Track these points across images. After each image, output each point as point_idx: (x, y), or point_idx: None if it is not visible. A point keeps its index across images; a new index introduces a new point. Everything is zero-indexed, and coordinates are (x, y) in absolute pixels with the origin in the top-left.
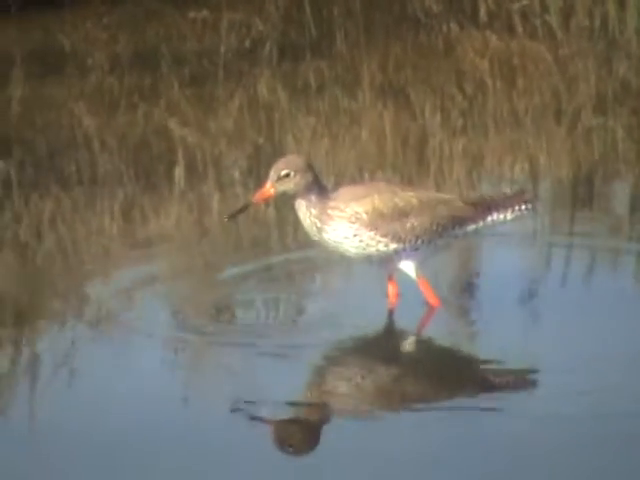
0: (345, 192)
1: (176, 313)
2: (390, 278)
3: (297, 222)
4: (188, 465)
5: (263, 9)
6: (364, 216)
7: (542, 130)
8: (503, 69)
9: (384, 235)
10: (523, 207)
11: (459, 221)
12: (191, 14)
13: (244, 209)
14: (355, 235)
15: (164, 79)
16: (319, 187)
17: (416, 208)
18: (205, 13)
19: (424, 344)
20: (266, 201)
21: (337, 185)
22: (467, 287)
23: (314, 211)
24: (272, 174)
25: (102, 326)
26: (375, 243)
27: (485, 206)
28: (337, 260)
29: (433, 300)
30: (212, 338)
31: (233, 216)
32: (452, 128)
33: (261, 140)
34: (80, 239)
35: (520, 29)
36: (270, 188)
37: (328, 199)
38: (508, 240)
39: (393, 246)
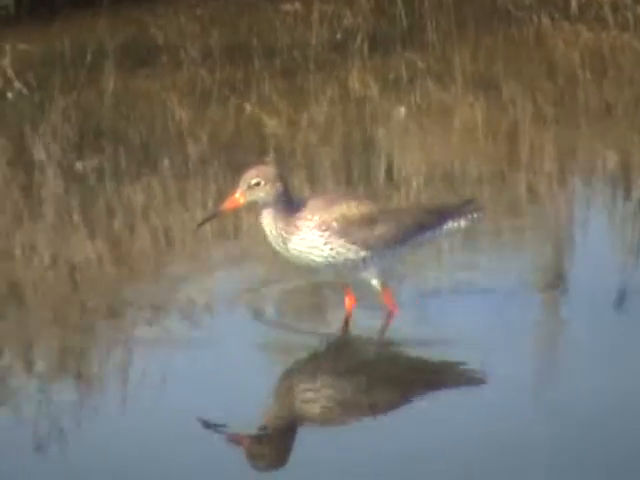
0: (312, 202)
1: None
2: (346, 287)
3: None
4: None
5: (354, 1)
6: (334, 224)
7: (634, 122)
8: (594, 61)
9: (354, 242)
10: (475, 216)
11: (421, 228)
12: (283, 6)
13: (212, 217)
14: (326, 243)
15: (256, 72)
16: (288, 198)
17: (382, 215)
18: (297, 5)
19: (385, 350)
20: (235, 210)
21: (308, 195)
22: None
23: (280, 222)
24: (242, 182)
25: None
26: (345, 251)
27: (443, 214)
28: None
29: (392, 305)
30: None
31: (202, 224)
32: (543, 120)
33: (352, 132)
34: (173, 231)
35: (611, 21)
36: (240, 197)
37: (295, 210)
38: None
39: (362, 254)
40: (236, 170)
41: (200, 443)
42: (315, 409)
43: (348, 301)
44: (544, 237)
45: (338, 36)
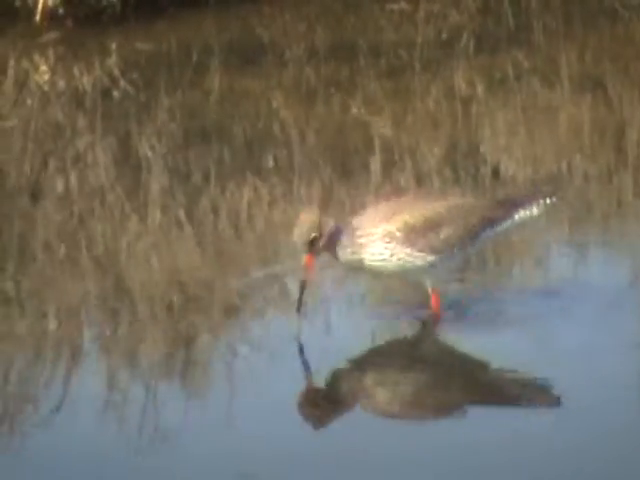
0: (371, 214)
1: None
2: (432, 288)
3: None
4: None
5: (460, 0)
6: (398, 234)
7: None
8: None
9: (421, 250)
10: (548, 201)
11: (489, 222)
12: (388, 5)
13: (303, 290)
14: (392, 255)
15: (361, 71)
16: (343, 224)
17: (446, 217)
18: (402, 4)
19: (445, 351)
20: (314, 269)
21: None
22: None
23: (349, 249)
24: (301, 246)
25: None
26: (412, 259)
27: (512, 204)
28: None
29: (438, 310)
30: None
31: (300, 306)
32: None
33: (458, 132)
34: (277, 229)
35: None
36: (310, 258)
37: (354, 230)
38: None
39: (430, 258)
40: (341, 169)
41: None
42: (377, 398)
43: (434, 301)
44: None
45: (444, 35)
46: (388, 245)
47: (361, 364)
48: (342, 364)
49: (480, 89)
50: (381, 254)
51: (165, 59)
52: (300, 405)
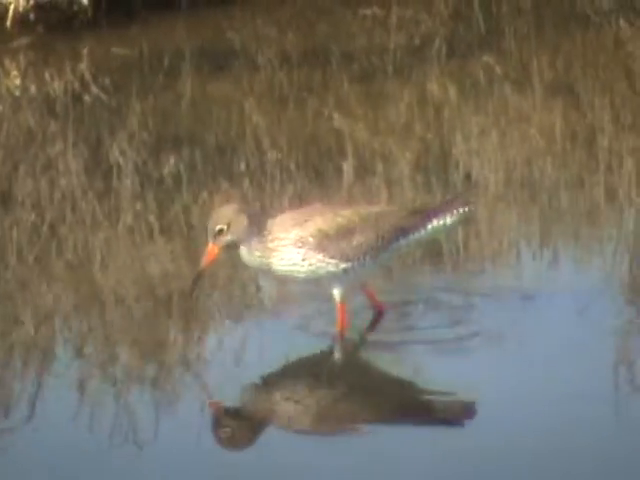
0: (284, 219)
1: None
2: (364, 287)
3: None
4: None
5: (432, 6)
6: (310, 239)
7: None
8: None
9: (332, 256)
10: (461, 211)
11: (402, 231)
12: (360, 11)
13: (200, 277)
14: (304, 259)
15: (333, 76)
16: (257, 226)
17: (359, 225)
18: (374, 10)
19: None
20: (214, 260)
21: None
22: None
23: (257, 252)
24: (209, 234)
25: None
26: (325, 265)
27: (426, 213)
28: None
29: (342, 323)
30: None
31: (193, 289)
32: (622, 125)
33: (430, 136)
34: None
35: None
36: (213, 247)
37: (267, 234)
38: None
39: (343, 265)
40: (313, 174)
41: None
42: (295, 412)
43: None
44: (623, 244)
45: (416, 40)
46: (300, 250)
47: (270, 380)
48: (252, 380)
49: (452, 94)
50: (291, 259)
51: (137, 64)
52: (213, 433)
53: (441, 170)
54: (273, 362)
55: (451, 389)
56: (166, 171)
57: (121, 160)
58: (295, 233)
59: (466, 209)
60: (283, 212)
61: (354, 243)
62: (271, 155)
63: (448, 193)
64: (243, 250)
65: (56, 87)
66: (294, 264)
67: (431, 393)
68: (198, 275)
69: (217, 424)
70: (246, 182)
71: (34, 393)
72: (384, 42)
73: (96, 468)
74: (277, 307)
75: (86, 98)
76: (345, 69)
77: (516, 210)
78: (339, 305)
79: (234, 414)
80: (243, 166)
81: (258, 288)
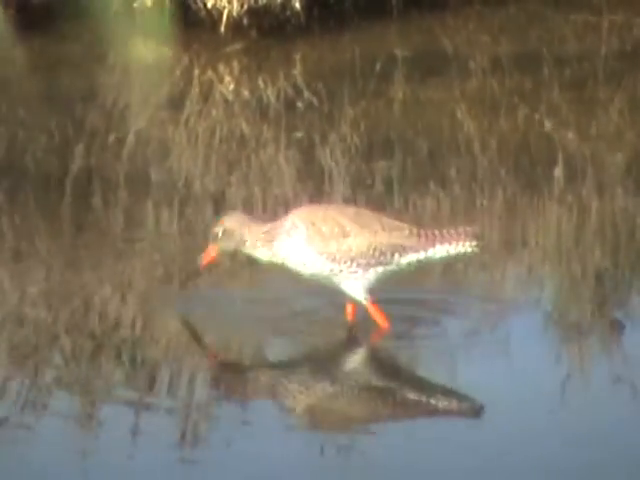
0: (297, 212)
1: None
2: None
3: None
4: None
5: None
6: (303, 230)
7: None
8: None
9: (320, 253)
10: (467, 245)
11: (400, 249)
12: (572, 16)
13: (195, 276)
14: (295, 249)
15: (545, 82)
16: (253, 229)
17: (356, 231)
18: (586, 15)
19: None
20: (212, 262)
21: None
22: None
23: (259, 242)
24: (210, 237)
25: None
26: (313, 261)
27: (429, 238)
28: None
29: (383, 322)
30: None
31: (188, 285)
32: None
33: None
34: None
35: None
36: (212, 249)
37: (272, 226)
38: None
39: (329, 266)
40: (524, 180)
41: None
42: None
43: (349, 308)
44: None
45: (628, 46)
46: (289, 239)
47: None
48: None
49: None
50: (286, 248)
51: (349, 69)
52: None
53: None
54: (284, 358)
55: (458, 389)
56: (377, 176)
57: (333, 165)
58: (291, 221)
59: (473, 243)
60: (303, 206)
61: (344, 247)
62: (482, 160)
63: None
64: (249, 249)
65: (269, 92)
66: (288, 253)
67: (439, 393)
68: (194, 274)
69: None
70: (457, 187)
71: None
72: (596, 47)
73: None
74: (284, 302)
75: (298, 104)
76: (556, 75)
77: None
78: (370, 305)
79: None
80: (454, 171)
81: (266, 284)
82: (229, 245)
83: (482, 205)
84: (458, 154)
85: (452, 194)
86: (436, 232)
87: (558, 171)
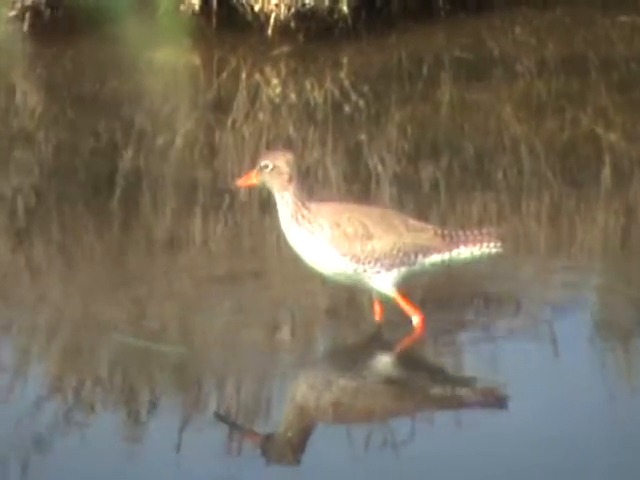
0: (325, 206)
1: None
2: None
3: None
4: None
5: None
6: (328, 231)
7: None
8: None
9: (344, 255)
10: (491, 246)
11: (423, 250)
12: (620, 18)
13: (229, 190)
14: (316, 247)
15: (592, 84)
16: (296, 188)
17: (380, 232)
18: (634, 17)
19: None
20: (249, 186)
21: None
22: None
23: (287, 210)
24: (258, 163)
25: None
26: (335, 260)
27: (453, 239)
28: None
29: (413, 313)
30: None
31: (223, 190)
32: None
33: None
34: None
35: None
36: (255, 176)
37: (303, 206)
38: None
39: (352, 266)
40: (571, 182)
41: None
42: (329, 413)
43: (377, 307)
44: None
45: None
46: (312, 237)
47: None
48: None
49: None
50: (305, 242)
51: (396, 72)
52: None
53: None
54: (312, 356)
55: (483, 381)
56: (424, 178)
57: (380, 167)
58: (316, 218)
59: (496, 246)
60: (326, 201)
61: (368, 247)
62: (528, 163)
63: None
64: (277, 199)
65: (316, 95)
66: (307, 248)
67: (464, 384)
68: (230, 188)
69: (263, 454)
70: (503, 189)
71: None
72: None
73: None
74: (310, 297)
75: (345, 107)
76: (604, 77)
77: None
78: (399, 297)
79: (273, 438)
80: (500, 174)
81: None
82: (271, 183)
83: (528, 207)
84: (505, 156)
85: (498, 196)
86: (460, 233)
87: (605, 173)
